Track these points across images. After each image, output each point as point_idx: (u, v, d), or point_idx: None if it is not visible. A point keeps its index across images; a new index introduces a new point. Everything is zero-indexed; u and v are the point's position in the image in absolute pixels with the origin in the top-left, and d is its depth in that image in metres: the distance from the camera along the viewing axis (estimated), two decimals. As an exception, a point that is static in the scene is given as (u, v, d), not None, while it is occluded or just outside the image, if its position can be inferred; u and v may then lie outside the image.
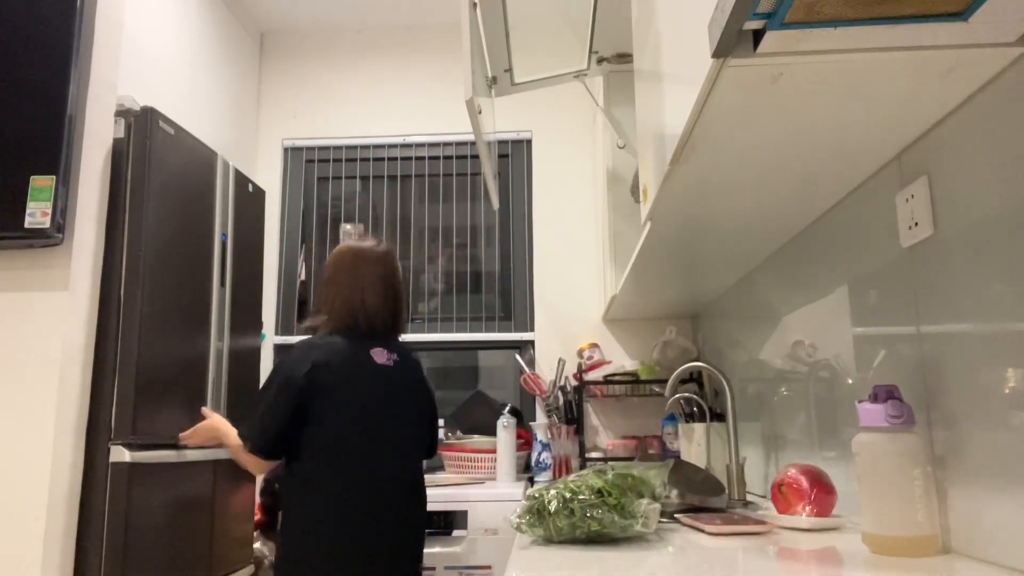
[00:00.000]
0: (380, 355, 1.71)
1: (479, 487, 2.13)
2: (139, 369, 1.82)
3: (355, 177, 2.99)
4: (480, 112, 1.59)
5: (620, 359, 2.62)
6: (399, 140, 2.97)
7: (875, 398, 0.98)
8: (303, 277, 2.94)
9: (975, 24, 0.76)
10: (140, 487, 1.80)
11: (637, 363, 2.50)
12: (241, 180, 2.38)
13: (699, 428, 1.97)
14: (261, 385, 1.72)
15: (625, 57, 2.15)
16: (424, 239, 2.95)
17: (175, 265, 2.00)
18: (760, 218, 1.41)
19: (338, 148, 2.99)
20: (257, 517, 2.41)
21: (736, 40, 0.77)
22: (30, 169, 1.75)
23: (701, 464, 1.89)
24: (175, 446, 1.91)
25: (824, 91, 0.89)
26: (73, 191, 1.80)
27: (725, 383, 1.68)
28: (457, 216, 2.95)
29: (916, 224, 1.05)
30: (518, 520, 1.13)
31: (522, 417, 2.55)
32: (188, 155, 2.10)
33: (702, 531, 1.21)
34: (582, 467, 2.30)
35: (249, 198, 2.45)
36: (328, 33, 3.07)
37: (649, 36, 1.33)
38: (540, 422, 2.38)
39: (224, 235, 2.22)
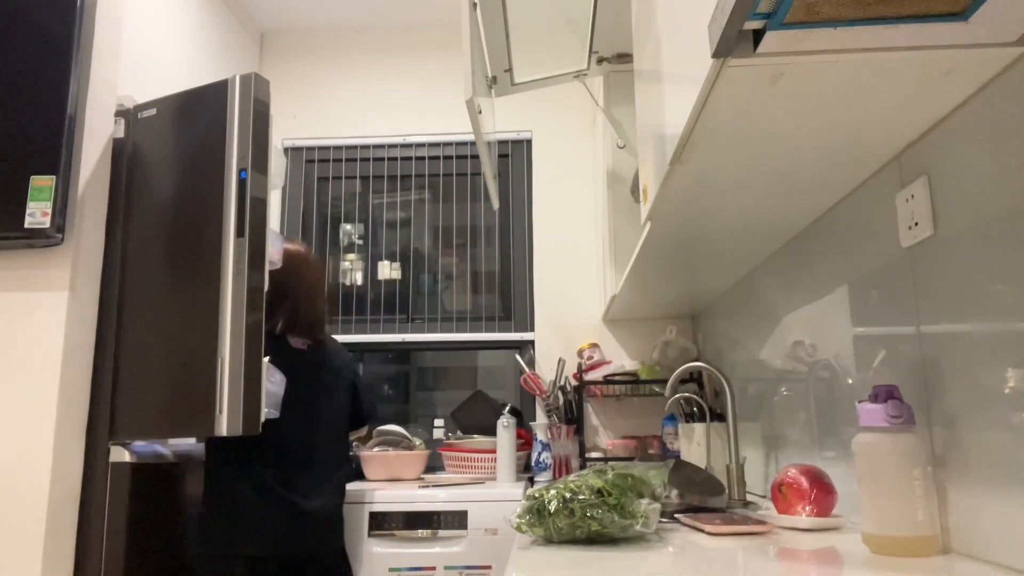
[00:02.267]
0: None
1: (479, 487, 2.13)
2: (139, 369, 1.82)
3: (355, 177, 2.99)
4: (480, 112, 1.59)
5: (620, 359, 2.61)
6: (399, 140, 2.97)
7: (875, 398, 0.98)
8: (303, 277, 2.94)
9: (975, 24, 0.76)
10: (140, 487, 1.80)
11: (637, 363, 2.50)
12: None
13: (699, 428, 1.97)
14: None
15: (625, 57, 2.15)
16: (424, 239, 2.95)
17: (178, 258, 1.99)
18: (760, 218, 1.41)
19: (338, 148, 2.99)
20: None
21: (736, 40, 0.77)
22: (30, 169, 1.75)
23: (701, 464, 1.89)
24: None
25: (824, 91, 0.89)
26: (73, 191, 1.80)
27: (725, 383, 1.68)
28: (457, 216, 2.95)
29: (916, 224, 1.05)
30: (518, 520, 1.13)
31: (522, 417, 2.55)
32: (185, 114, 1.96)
33: (702, 531, 1.21)
34: (582, 467, 2.30)
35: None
36: (328, 33, 3.07)
37: (649, 36, 1.33)
38: (540, 422, 2.38)
39: (243, 171, 1.92)
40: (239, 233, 1.77)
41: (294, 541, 1.75)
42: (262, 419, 1.67)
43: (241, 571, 1.70)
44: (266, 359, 1.79)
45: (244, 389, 1.68)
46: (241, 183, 1.79)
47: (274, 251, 1.89)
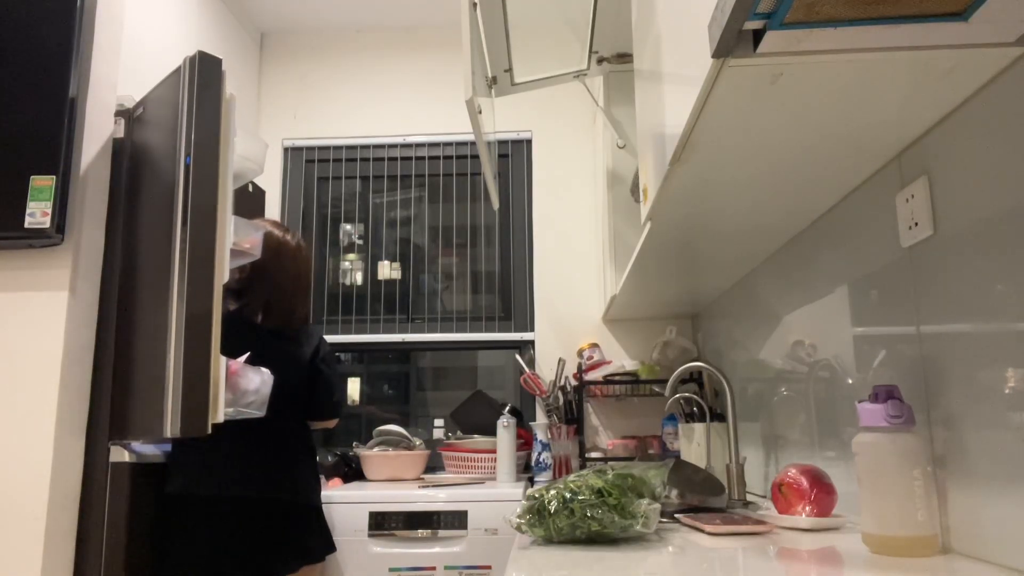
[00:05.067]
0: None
1: (479, 487, 2.13)
2: (132, 369, 1.82)
3: (355, 177, 2.99)
4: (480, 112, 1.59)
5: (620, 359, 2.61)
6: (399, 140, 2.97)
7: (875, 398, 0.98)
8: (303, 277, 2.93)
9: (975, 24, 0.76)
10: (140, 487, 1.80)
11: (637, 363, 2.50)
12: (241, 180, 2.38)
13: (699, 428, 1.97)
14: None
15: (625, 57, 2.15)
16: (424, 239, 2.95)
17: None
18: (760, 218, 1.41)
19: (338, 148, 2.99)
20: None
21: (736, 40, 0.77)
22: (30, 169, 1.75)
23: (701, 464, 1.89)
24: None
25: (824, 91, 0.89)
26: (73, 191, 1.80)
27: (725, 383, 1.68)
28: (457, 216, 2.95)
29: (916, 224, 1.05)
30: (518, 520, 1.13)
31: (522, 417, 2.55)
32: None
33: (702, 531, 1.21)
34: (582, 467, 2.30)
35: (249, 198, 2.44)
36: (328, 33, 3.07)
37: (649, 36, 1.33)
38: (540, 422, 2.38)
39: (188, 157, 1.78)
40: (184, 222, 1.68)
41: (256, 485, 1.79)
42: (216, 419, 1.59)
43: (209, 512, 1.73)
44: (243, 358, 1.74)
45: (184, 388, 1.60)
46: (186, 169, 1.71)
47: (247, 240, 1.82)
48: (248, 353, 1.78)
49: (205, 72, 1.76)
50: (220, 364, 1.63)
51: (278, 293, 1.94)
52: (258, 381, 1.75)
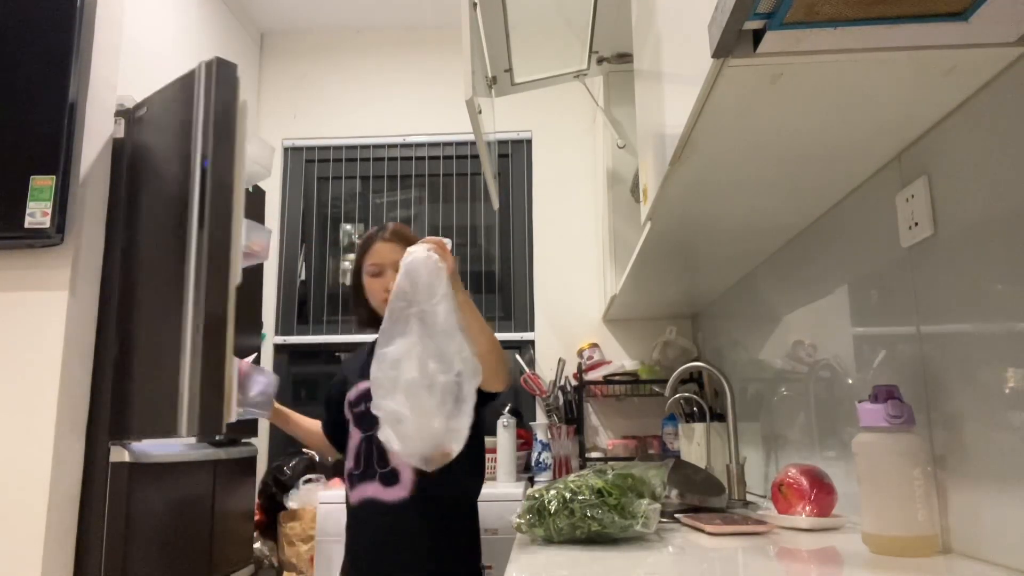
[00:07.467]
0: None
1: (479, 487, 2.13)
2: (133, 368, 1.82)
3: (355, 177, 2.99)
4: (480, 112, 1.59)
5: (620, 359, 2.61)
6: (399, 140, 2.97)
7: (875, 398, 0.98)
8: (303, 277, 2.94)
9: (975, 24, 0.76)
10: (140, 487, 1.80)
11: (637, 363, 2.50)
12: (241, 180, 2.38)
13: (699, 428, 1.97)
14: None
15: (625, 57, 2.15)
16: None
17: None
18: (760, 218, 1.41)
19: (338, 148, 2.99)
20: (257, 517, 2.41)
21: (736, 40, 0.77)
22: (30, 169, 1.75)
23: (701, 464, 1.89)
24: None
25: (824, 91, 0.89)
26: (73, 191, 1.80)
27: (725, 383, 1.68)
28: (457, 216, 2.95)
29: (916, 224, 1.05)
30: (518, 520, 1.13)
31: (522, 417, 2.55)
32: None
33: (702, 531, 1.21)
34: (582, 467, 2.30)
35: (249, 198, 2.43)
36: (328, 33, 3.07)
37: (649, 36, 1.33)
38: (540, 422, 2.38)
39: (205, 160, 1.80)
40: (200, 224, 1.71)
41: None
42: (230, 419, 1.59)
43: None
44: (250, 358, 1.73)
45: (201, 389, 1.61)
46: (203, 172, 1.74)
47: (256, 243, 1.82)
48: (253, 356, 1.77)
49: (223, 77, 1.78)
50: (234, 366, 1.63)
51: None
52: (264, 382, 1.74)
